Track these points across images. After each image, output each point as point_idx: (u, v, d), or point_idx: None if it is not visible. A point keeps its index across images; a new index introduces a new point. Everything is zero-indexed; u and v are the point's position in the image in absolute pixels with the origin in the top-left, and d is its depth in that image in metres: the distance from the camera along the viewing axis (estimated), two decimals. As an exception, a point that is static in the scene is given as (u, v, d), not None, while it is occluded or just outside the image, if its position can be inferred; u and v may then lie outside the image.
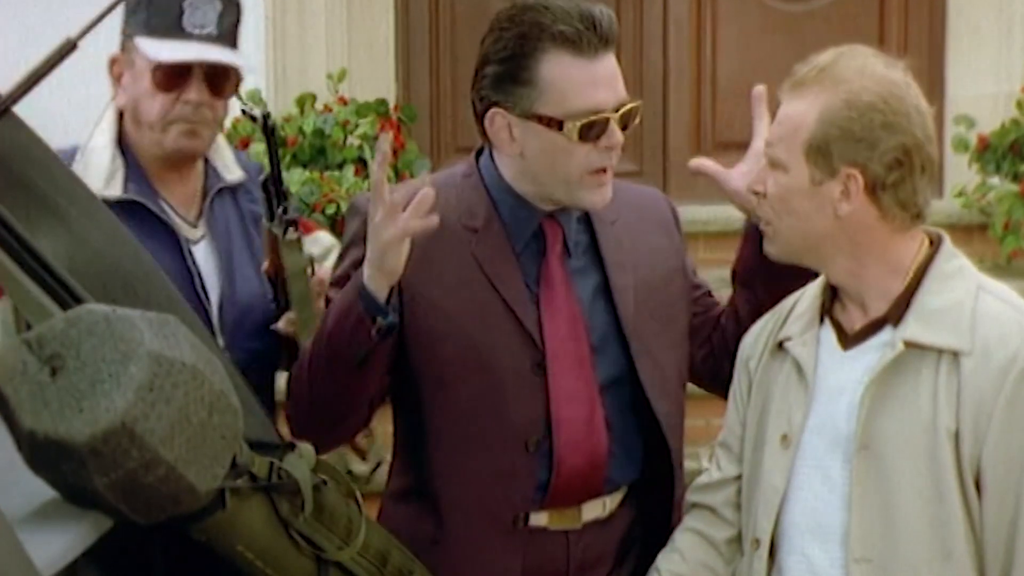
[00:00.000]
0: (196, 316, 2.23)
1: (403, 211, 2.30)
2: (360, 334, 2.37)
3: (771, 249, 2.35)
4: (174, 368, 1.72)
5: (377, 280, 2.36)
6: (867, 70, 2.23)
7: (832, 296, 2.35)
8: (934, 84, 6.42)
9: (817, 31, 6.24)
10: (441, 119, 6.55)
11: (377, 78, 6.32)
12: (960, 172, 6.11)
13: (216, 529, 1.94)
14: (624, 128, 2.44)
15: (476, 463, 2.51)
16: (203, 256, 2.89)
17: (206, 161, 2.95)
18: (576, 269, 2.57)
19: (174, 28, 2.79)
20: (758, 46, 6.42)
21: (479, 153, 2.60)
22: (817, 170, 2.21)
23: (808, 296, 2.40)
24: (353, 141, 5.91)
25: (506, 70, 2.41)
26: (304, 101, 6.02)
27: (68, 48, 1.97)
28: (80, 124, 5.98)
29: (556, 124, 2.39)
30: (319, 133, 5.77)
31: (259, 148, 5.00)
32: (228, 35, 2.84)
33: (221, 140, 3.01)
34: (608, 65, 2.41)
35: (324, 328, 2.43)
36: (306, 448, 2.14)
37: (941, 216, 5.96)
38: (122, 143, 2.95)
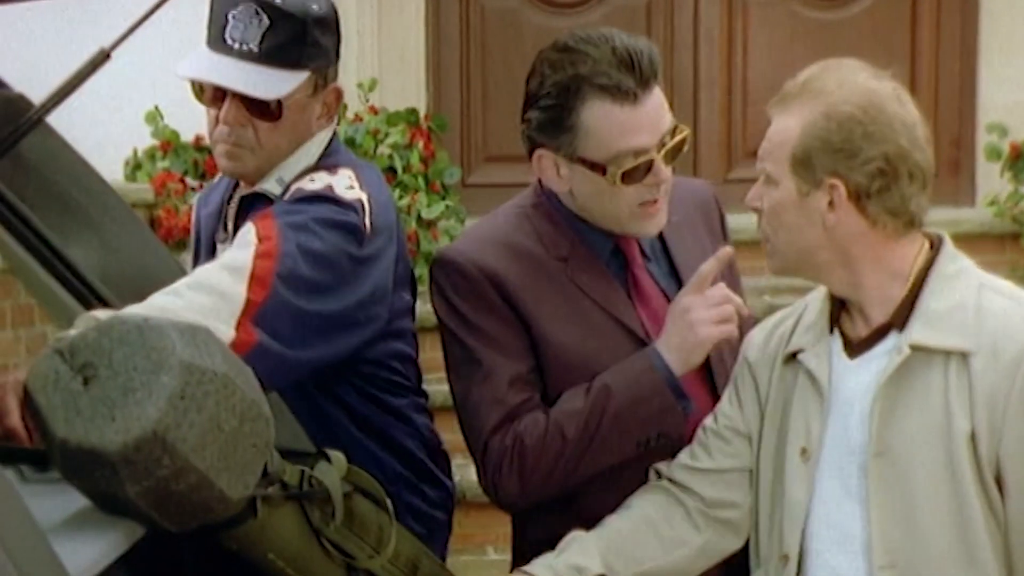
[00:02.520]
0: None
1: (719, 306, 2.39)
2: (663, 419, 2.42)
3: (770, 264, 2.36)
4: (205, 377, 1.73)
5: (681, 371, 2.42)
6: (847, 82, 2.24)
7: (839, 306, 2.35)
8: (966, 92, 6.40)
9: (849, 39, 6.23)
10: (471, 128, 6.56)
11: (407, 87, 6.33)
12: (993, 181, 6.09)
13: (247, 537, 1.95)
14: (673, 158, 2.45)
15: (620, 473, 2.50)
16: None
17: None
18: (658, 274, 2.58)
19: (217, 39, 2.64)
20: (789, 55, 6.40)
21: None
22: (803, 182, 2.23)
23: (814, 306, 2.40)
24: (384, 150, 5.93)
25: (549, 117, 2.42)
26: (335, 110, 6.03)
27: (101, 58, 1.99)
28: (114, 133, 6.00)
29: (600, 168, 2.40)
30: (350, 142, 5.77)
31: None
32: (274, 53, 2.62)
33: (297, 158, 2.73)
34: (651, 105, 2.41)
35: (601, 411, 2.41)
36: (337, 456, 2.14)
37: (973, 225, 5.93)
38: None
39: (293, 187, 2.64)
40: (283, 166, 2.73)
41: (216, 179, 2.96)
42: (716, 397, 2.53)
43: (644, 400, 2.40)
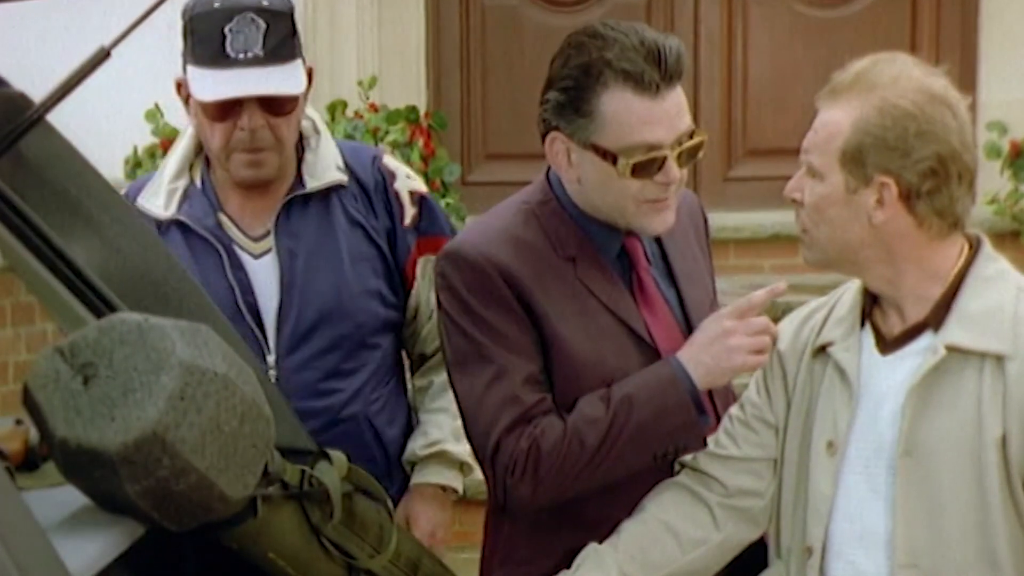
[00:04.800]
0: (229, 324, 2.23)
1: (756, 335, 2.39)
2: (684, 434, 2.41)
3: (808, 256, 2.34)
4: (206, 377, 1.73)
5: (704, 388, 2.41)
6: (903, 78, 2.21)
7: (871, 301, 2.34)
8: (966, 90, 6.36)
9: (848, 38, 6.23)
10: (472, 126, 6.56)
11: (408, 85, 6.34)
12: (992, 179, 6.09)
13: (247, 536, 1.95)
14: (687, 161, 2.42)
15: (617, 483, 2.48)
16: (264, 271, 2.83)
17: (299, 169, 2.87)
18: (658, 278, 2.57)
19: (218, 56, 2.70)
20: (789, 53, 6.42)
21: (548, 174, 2.56)
22: (852, 178, 2.20)
23: (847, 300, 2.38)
24: (384, 148, 5.93)
25: (568, 99, 2.39)
26: (335, 108, 6.04)
27: (101, 56, 1.98)
28: (115, 131, 5.99)
29: (611, 158, 2.37)
30: (349, 139, 5.78)
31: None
32: (278, 52, 2.73)
33: (323, 141, 2.91)
34: (671, 101, 2.38)
35: (623, 422, 2.38)
36: (337, 456, 2.14)
37: (973, 223, 5.92)
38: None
39: (397, 183, 2.92)
40: (322, 152, 2.89)
41: (171, 199, 2.88)
42: (716, 412, 2.53)
43: (668, 413, 2.38)
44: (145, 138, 6.15)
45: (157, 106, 6.10)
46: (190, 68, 2.75)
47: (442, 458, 2.95)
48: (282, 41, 2.74)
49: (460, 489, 3.01)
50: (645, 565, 2.39)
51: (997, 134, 6.11)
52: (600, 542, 2.41)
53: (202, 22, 2.72)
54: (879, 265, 2.26)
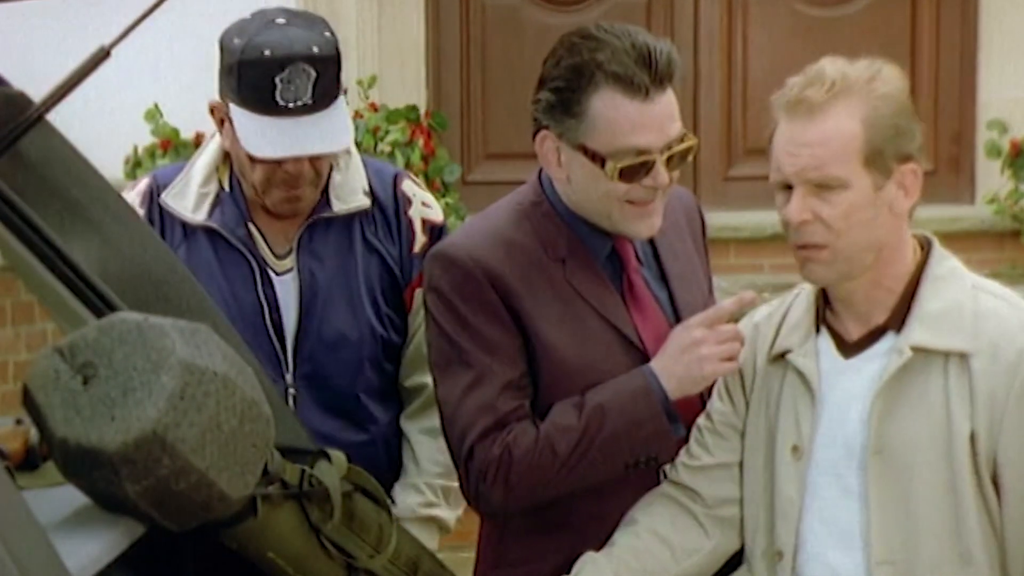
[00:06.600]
0: (229, 324, 2.23)
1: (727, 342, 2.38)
2: (656, 443, 2.41)
3: (824, 274, 2.29)
4: (205, 377, 1.73)
5: (676, 397, 2.40)
6: (872, 69, 2.26)
7: (825, 304, 2.35)
8: (966, 89, 6.40)
9: (848, 37, 6.23)
10: (472, 125, 6.56)
11: (407, 84, 6.33)
12: (993, 178, 6.09)
13: (247, 536, 1.95)
14: (676, 166, 2.42)
15: (607, 487, 2.49)
16: (286, 289, 2.83)
17: (326, 188, 2.84)
18: (649, 279, 2.57)
19: (267, 103, 2.66)
20: (789, 52, 6.40)
21: (540, 174, 2.56)
22: (878, 175, 2.22)
23: (800, 305, 2.39)
24: (384, 148, 5.92)
25: (558, 99, 2.39)
26: (335, 107, 6.03)
27: (101, 56, 1.98)
28: (115, 131, 6.00)
29: (599, 160, 2.38)
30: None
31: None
32: (325, 97, 2.71)
33: (353, 161, 2.88)
34: (661, 105, 2.38)
35: (595, 431, 2.38)
36: (337, 455, 2.14)
37: (974, 222, 5.95)
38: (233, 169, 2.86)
39: (411, 210, 2.90)
40: (351, 173, 2.85)
41: (201, 204, 2.85)
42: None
43: (639, 423, 2.38)
44: (145, 138, 6.14)
45: (157, 106, 6.10)
46: (235, 107, 2.70)
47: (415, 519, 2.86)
48: (330, 84, 2.72)
49: (432, 547, 2.85)
50: (641, 574, 2.40)
51: (997, 133, 6.11)
52: (592, 544, 2.42)
53: (252, 69, 2.67)
54: (874, 259, 2.27)
